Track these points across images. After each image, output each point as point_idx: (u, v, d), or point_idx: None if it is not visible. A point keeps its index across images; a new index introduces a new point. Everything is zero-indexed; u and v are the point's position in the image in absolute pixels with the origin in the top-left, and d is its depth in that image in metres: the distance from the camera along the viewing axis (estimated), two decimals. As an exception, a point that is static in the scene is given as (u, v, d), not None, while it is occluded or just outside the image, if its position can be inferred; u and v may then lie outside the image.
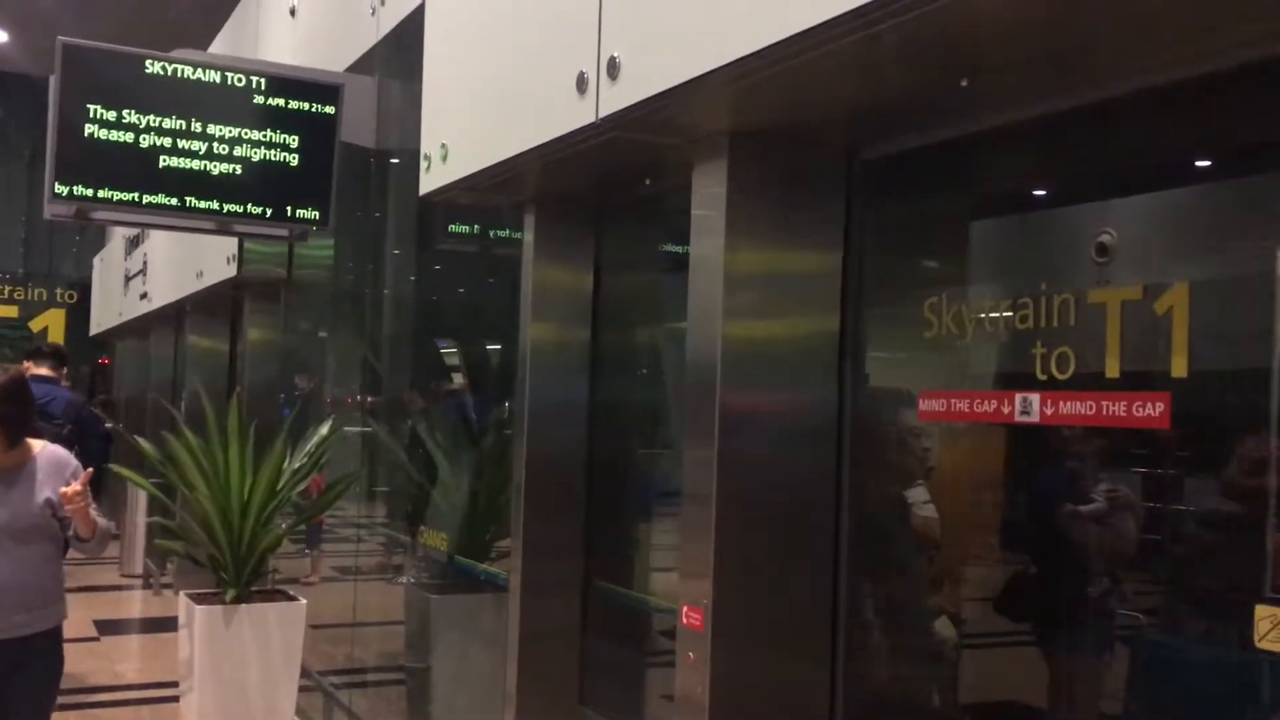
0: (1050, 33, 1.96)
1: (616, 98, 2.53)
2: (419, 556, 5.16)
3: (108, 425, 8.75)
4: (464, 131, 3.43)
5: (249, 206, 5.03)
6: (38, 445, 3.93)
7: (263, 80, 5.01)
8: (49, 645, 3.95)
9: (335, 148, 5.09)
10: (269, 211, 5.05)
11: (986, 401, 2.38)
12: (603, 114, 2.59)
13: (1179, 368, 2.06)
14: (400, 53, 4.84)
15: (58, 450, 4.00)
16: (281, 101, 5.02)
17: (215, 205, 4.96)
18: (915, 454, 2.87)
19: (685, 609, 2.69)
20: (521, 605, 3.77)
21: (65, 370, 7.57)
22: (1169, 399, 2.03)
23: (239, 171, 4.99)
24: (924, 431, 2.77)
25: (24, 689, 3.86)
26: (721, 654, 2.62)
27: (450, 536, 4.88)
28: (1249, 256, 2.12)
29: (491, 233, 4.87)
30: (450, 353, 5.58)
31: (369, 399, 6.05)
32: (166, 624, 6.00)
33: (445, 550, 4.88)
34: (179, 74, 4.86)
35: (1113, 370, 2.18)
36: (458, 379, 5.52)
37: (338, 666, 5.97)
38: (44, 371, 7.06)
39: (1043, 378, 2.29)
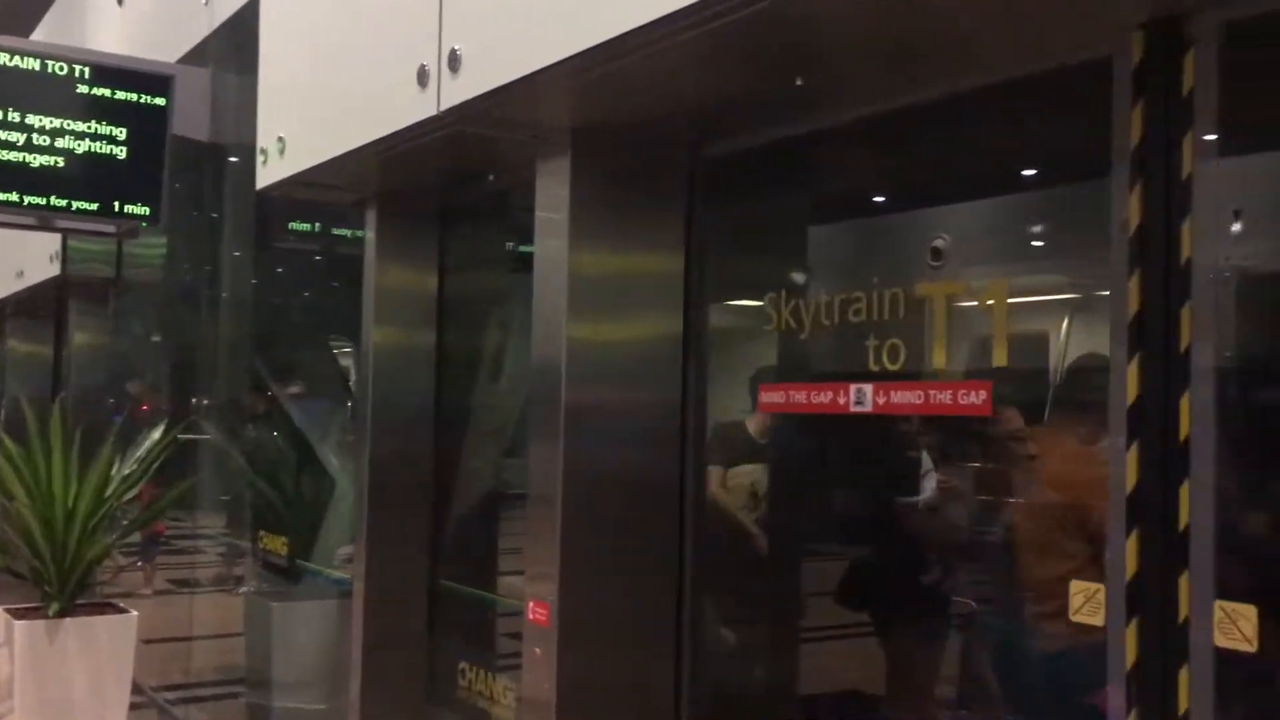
0: (882, 32, 2.03)
1: (458, 91, 2.51)
2: (260, 564, 5.00)
3: None
4: (302, 124, 3.34)
5: (73, 201, 4.78)
6: None
7: (87, 69, 4.76)
8: None
9: (166, 141, 4.89)
10: (95, 207, 4.81)
11: (822, 393, 2.45)
12: (444, 107, 2.56)
13: (1000, 358, 2.16)
14: (235, 43, 4.68)
15: None
16: (108, 92, 4.79)
17: (36, 199, 4.70)
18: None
19: (532, 604, 2.68)
20: (365, 610, 3.69)
21: None
22: (990, 387, 2.13)
23: (62, 164, 4.73)
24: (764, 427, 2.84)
25: None
26: (568, 649, 2.62)
27: (293, 543, 4.74)
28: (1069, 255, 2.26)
29: (334, 231, 4.75)
30: (292, 355, 5.43)
31: (205, 402, 5.82)
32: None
33: (287, 557, 4.74)
34: (-6, 60, 4.58)
35: (939, 361, 2.27)
36: (300, 382, 5.37)
37: (173, 681, 5.73)
38: None
39: (875, 369, 2.37)
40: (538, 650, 2.66)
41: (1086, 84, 1.98)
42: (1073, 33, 1.95)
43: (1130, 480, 1.86)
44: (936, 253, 2.42)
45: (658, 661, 2.78)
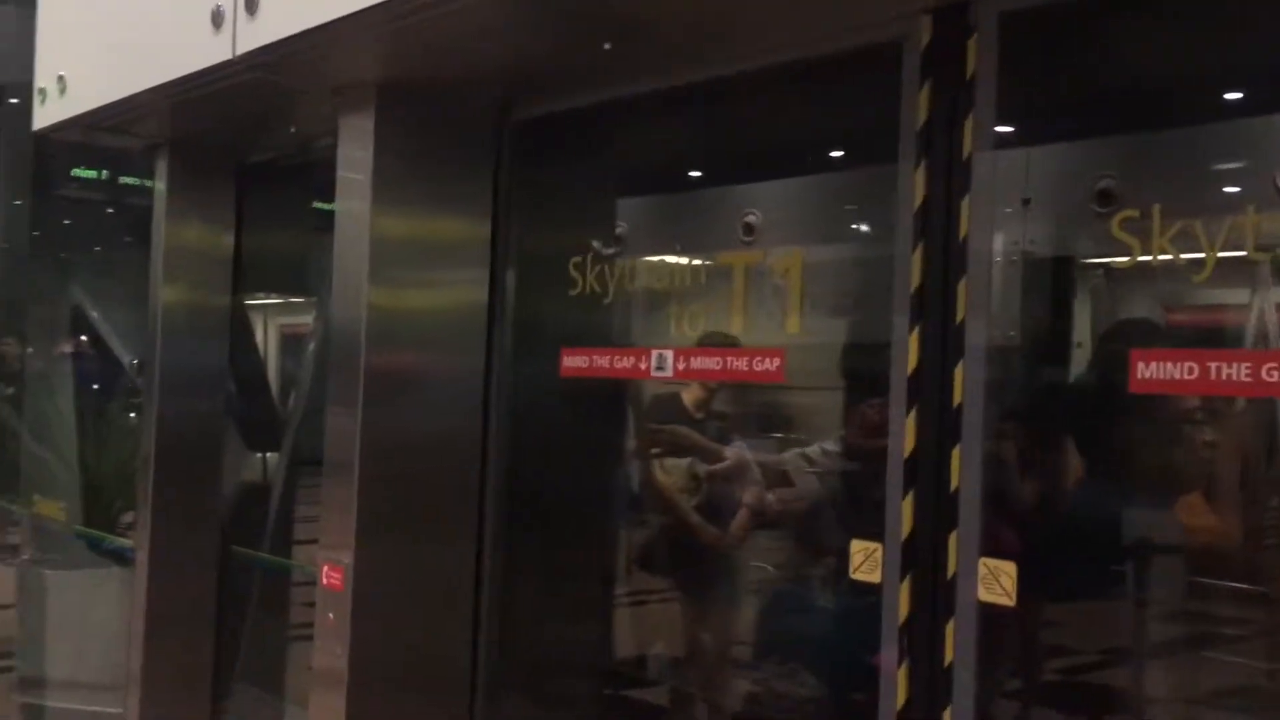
0: (685, 3, 2.05)
1: (255, 34, 2.40)
2: (33, 530, 4.71)
3: None
4: (85, 63, 3.14)
5: None
6: None
7: None
8: None
9: (-69, 76, 4.50)
10: None
11: (624, 358, 2.48)
12: (240, 51, 2.45)
13: (793, 326, 2.23)
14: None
15: None
16: None
17: None
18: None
19: (325, 568, 2.62)
20: (150, 579, 3.53)
21: None
22: (783, 355, 2.20)
23: None
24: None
25: None
26: (362, 615, 2.57)
27: (71, 508, 4.48)
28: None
29: (121, 179, 4.49)
30: (73, 308, 5.10)
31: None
32: None
33: (65, 523, 4.47)
34: None
35: (737, 328, 2.33)
36: (80, 338, 5.07)
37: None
38: None
39: (677, 335, 2.42)
40: (331, 616, 2.60)
41: (879, 65, 2.05)
42: (866, 15, 2.02)
43: (909, 445, 1.96)
44: (749, 228, 2.48)
45: (456, 628, 2.76)
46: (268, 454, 3.97)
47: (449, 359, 2.73)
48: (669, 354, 2.38)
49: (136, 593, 3.59)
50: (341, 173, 2.66)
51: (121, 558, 4.12)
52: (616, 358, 2.50)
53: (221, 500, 3.71)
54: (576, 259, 2.65)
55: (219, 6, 2.47)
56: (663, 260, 2.50)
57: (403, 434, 2.64)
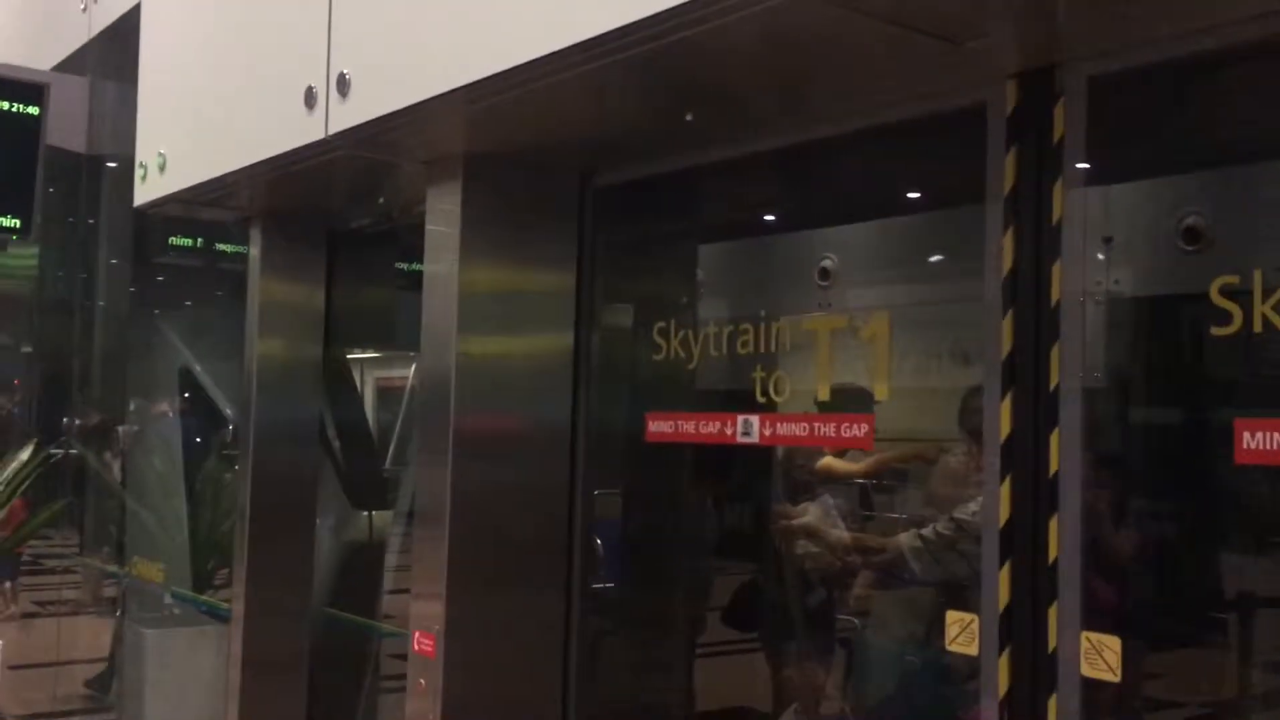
0: (768, 73, 2.07)
1: (347, 115, 2.47)
2: (133, 589, 4.83)
3: None
4: (184, 141, 3.25)
5: (-63, 211, 4.57)
6: None
7: (-47, 75, 4.57)
8: None
9: (40, 151, 4.70)
10: (-38, 216, 4.61)
11: (710, 423, 2.48)
12: (332, 130, 2.52)
13: (881, 391, 2.22)
14: (116, 52, 4.54)
15: None
16: (-24, 99, 4.60)
17: (-104, 208, 4.48)
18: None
19: (417, 635, 2.65)
20: (244, 636, 3.60)
21: None
22: (872, 420, 2.18)
23: (-73, 172, 4.53)
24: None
25: None
26: (454, 679, 2.59)
27: (168, 567, 4.59)
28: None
29: (217, 245, 4.63)
30: (181, 369, 5.25)
31: (78, 421, 5.61)
32: None
33: (163, 582, 4.58)
34: None
35: (823, 393, 2.32)
36: (180, 399, 5.21)
37: (38, 710, 5.49)
38: None
39: (762, 400, 2.41)
40: (422, 681, 2.62)
41: (963, 129, 2.05)
42: (951, 80, 2.01)
43: (1004, 514, 1.93)
44: (825, 272, 2.47)
45: (546, 684, 2.77)
46: (373, 512, 4.02)
47: (536, 413, 2.76)
48: (754, 420, 2.38)
49: (231, 649, 3.66)
50: (430, 238, 2.72)
51: (219, 615, 4.21)
52: (701, 423, 2.50)
53: (327, 561, 3.77)
54: (660, 323, 2.67)
55: (312, 88, 2.55)
56: (746, 324, 2.50)
57: (491, 486, 2.66)
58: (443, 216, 2.67)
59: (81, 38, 4.83)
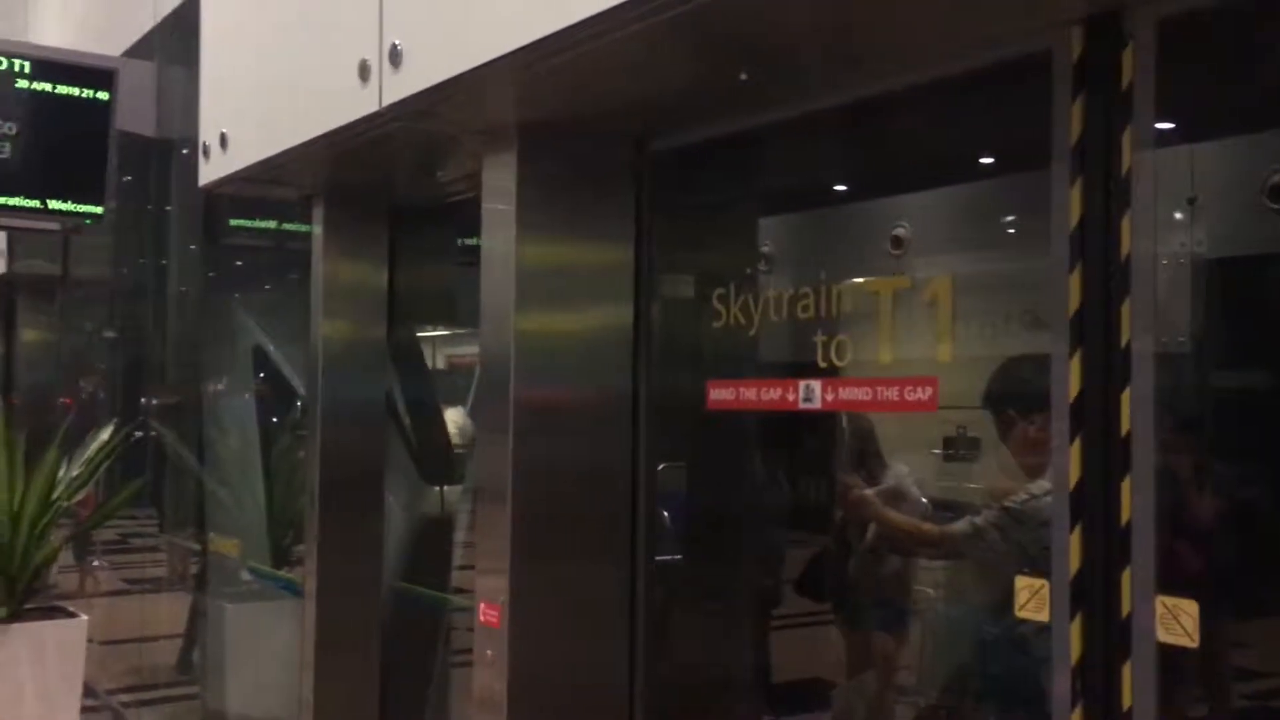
0: (826, 27, 2.01)
1: (400, 86, 2.47)
2: (212, 565, 4.94)
3: None
4: (244, 120, 3.29)
5: (16, 199, 4.69)
6: None
7: (26, 64, 4.67)
8: None
9: (111, 136, 4.80)
10: (38, 204, 4.72)
11: (771, 390, 2.44)
12: (386, 103, 2.52)
13: (944, 354, 2.16)
14: (181, 36, 4.61)
15: None
16: (49, 86, 4.70)
17: (-24, 197, 4.61)
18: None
19: (482, 606, 2.66)
20: (318, 610, 3.65)
21: None
22: (936, 383, 2.13)
23: (2, 161, 4.64)
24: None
25: None
26: (519, 649, 2.60)
27: (245, 543, 4.69)
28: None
29: (284, 226, 4.69)
30: (255, 347, 5.35)
31: (155, 401, 5.74)
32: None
33: (239, 557, 4.68)
34: (-70, 55, 4.48)
35: (886, 356, 2.27)
36: (254, 379, 5.30)
37: (126, 684, 5.66)
38: None
39: (824, 365, 2.37)
40: (489, 652, 2.63)
41: (1028, 78, 1.97)
42: (1014, 27, 1.94)
43: (1074, 475, 1.87)
44: (896, 250, 2.42)
45: (614, 653, 2.76)
46: (444, 487, 4.05)
47: (596, 386, 2.74)
48: (816, 385, 2.33)
49: (306, 623, 3.72)
50: (487, 210, 2.71)
51: (292, 590, 4.29)
52: (763, 390, 2.47)
53: (399, 535, 3.81)
54: (720, 289, 2.63)
55: (365, 61, 2.55)
56: (808, 287, 2.45)
57: (553, 459, 2.65)
58: (498, 187, 2.66)
59: (148, 23, 4.91)
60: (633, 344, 2.77)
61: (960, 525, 2.53)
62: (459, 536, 3.78)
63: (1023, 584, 1.96)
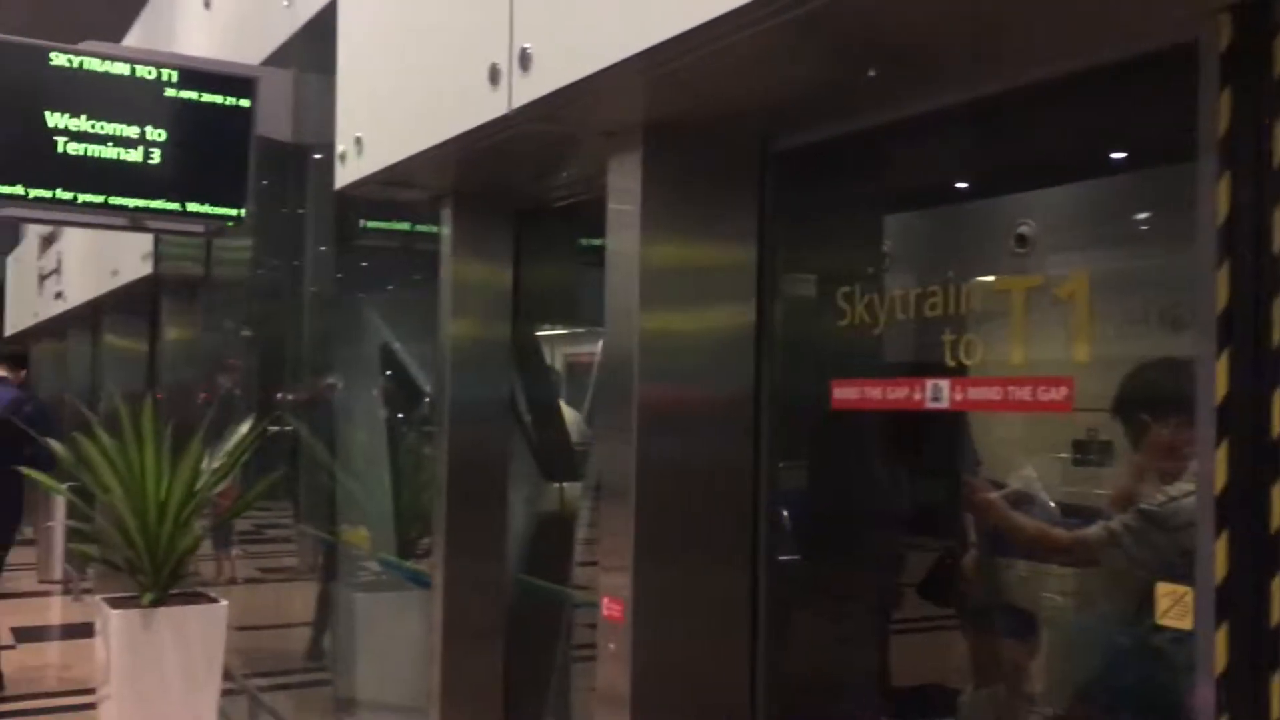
0: (960, 20, 1.98)
1: (528, 89, 2.52)
2: (343, 555, 5.10)
3: None
4: (378, 124, 3.39)
5: (162, 202, 4.92)
6: None
7: (174, 73, 4.90)
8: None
9: (251, 142, 5.00)
10: (183, 207, 4.94)
11: (898, 389, 2.41)
12: (515, 105, 2.57)
13: (1081, 353, 2.10)
14: (317, 45, 4.76)
15: None
16: (194, 94, 4.91)
17: (127, 201, 4.85)
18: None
19: (606, 601, 2.69)
20: (445, 603, 3.74)
21: (22, 373, 7.56)
22: (1071, 383, 2.07)
23: (151, 166, 4.87)
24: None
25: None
26: (642, 644, 2.62)
27: (375, 535, 4.83)
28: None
29: (414, 228, 4.82)
30: (382, 346, 5.51)
31: (290, 397, 5.95)
32: (86, 630, 5.86)
33: (369, 549, 4.82)
34: (85, 66, 4.73)
35: (1018, 356, 2.22)
36: (382, 376, 5.46)
37: (263, 669, 5.88)
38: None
39: (952, 364, 2.33)
40: (612, 646, 2.66)
41: (1171, 69, 1.91)
42: (1154, 19, 1.88)
43: (1220, 480, 1.80)
44: (1023, 249, 2.37)
45: (734, 651, 2.77)
46: (564, 484, 4.12)
47: (719, 385, 2.75)
48: (944, 384, 2.30)
49: (433, 614, 3.82)
50: (612, 209, 2.74)
51: (420, 581, 4.40)
52: (889, 389, 2.44)
53: (521, 530, 3.88)
54: (845, 288, 2.61)
55: (495, 65, 2.61)
56: (934, 286, 2.42)
57: (675, 458, 2.67)
58: (623, 187, 2.69)
59: (286, 32, 5.09)
60: (755, 343, 2.77)
61: (1093, 530, 2.46)
62: (580, 534, 3.83)
63: (1164, 590, 1.89)
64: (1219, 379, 1.81)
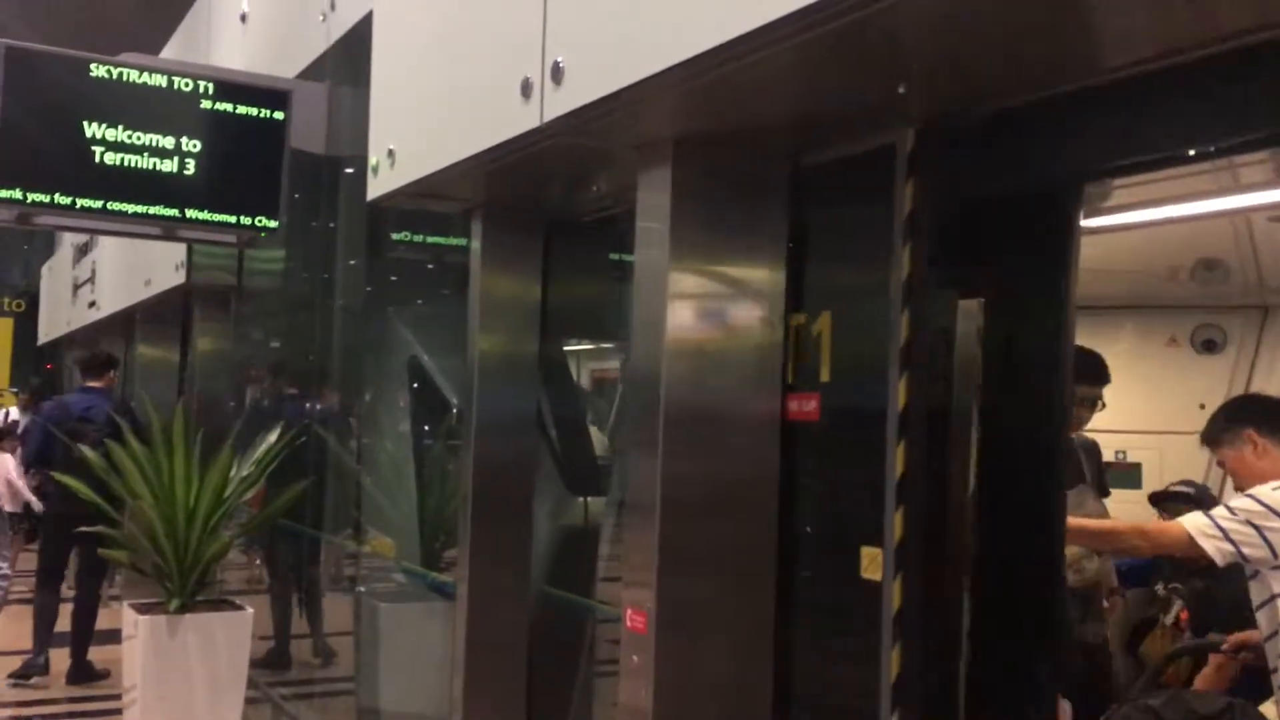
0: (1009, 33, 1.98)
1: (560, 102, 2.54)
2: (368, 565, 5.12)
3: None
4: (411, 137, 3.42)
5: (196, 212, 4.98)
6: None
7: (210, 85, 4.96)
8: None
9: (285, 154, 5.06)
10: (217, 218, 5.00)
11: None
12: (547, 118, 2.59)
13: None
14: (350, 59, 4.82)
15: None
16: (229, 107, 4.98)
17: (161, 210, 4.91)
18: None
19: (629, 612, 2.69)
20: (469, 613, 3.75)
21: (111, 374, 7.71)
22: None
23: (186, 176, 4.94)
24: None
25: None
26: (665, 656, 2.62)
27: (400, 545, 4.85)
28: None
29: (444, 240, 4.86)
30: (410, 358, 5.55)
31: (318, 407, 6.00)
32: (114, 635, 5.91)
33: (394, 559, 4.84)
34: (124, 78, 4.80)
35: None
36: (407, 389, 5.49)
37: (286, 677, 5.91)
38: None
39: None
40: (635, 658, 2.66)
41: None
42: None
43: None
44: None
45: (758, 663, 2.76)
46: (589, 498, 4.12)
47: (744, 399, 2.75)
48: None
49: (457, 626, 3.82)
50: (641, 222, 2.75)
51: (444, 592, 4.41)
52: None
53: (544, 544, 3.88)
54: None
55: (528, 79, 2.63)
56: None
57: (700, 472, 2.67)
58: (653, 201, 2.70)
59: (321, 46, 5.15)
60: (782, 360, 2.76)
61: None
62: (603, 549, 3.83)
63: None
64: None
